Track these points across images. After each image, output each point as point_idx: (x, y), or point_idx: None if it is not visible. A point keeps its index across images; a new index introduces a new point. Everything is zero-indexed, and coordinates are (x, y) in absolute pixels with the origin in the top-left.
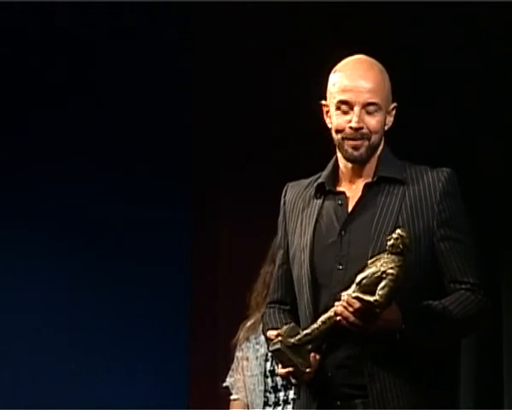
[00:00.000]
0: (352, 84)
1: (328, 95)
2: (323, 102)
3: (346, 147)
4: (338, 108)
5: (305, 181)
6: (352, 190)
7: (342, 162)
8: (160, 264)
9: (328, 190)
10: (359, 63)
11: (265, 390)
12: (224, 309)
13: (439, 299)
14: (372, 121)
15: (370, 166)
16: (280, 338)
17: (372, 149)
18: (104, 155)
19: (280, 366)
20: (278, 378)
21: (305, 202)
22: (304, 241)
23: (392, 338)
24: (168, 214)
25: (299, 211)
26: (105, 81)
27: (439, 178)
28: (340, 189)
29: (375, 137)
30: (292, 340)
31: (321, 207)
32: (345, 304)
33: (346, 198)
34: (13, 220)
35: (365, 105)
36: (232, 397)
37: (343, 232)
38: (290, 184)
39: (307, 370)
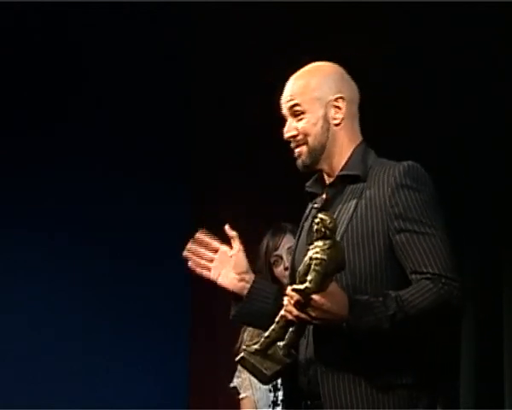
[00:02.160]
0: (282, 100)
1: None
2: None
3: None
4: None
5: None
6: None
7: None
8: (160, 264)
9: (311, 193)
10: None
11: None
12: (224, 309)
13: None
14: (301, 124)
15: (339, 167)
16: (244, 347)
17: (317, 152)
18: (104, 155)
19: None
20: None
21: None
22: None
23: (340, 326)
24: (168, 214)
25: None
26: (105, 81)
27: (393, 172)
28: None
29: (312, 139)
30: (255, 346)
31: (310, 211)
32: (287, 298)
33: (322, 200)
34: (13, 220)
35: (289, 110)
36: (241, 396)
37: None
38: None
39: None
